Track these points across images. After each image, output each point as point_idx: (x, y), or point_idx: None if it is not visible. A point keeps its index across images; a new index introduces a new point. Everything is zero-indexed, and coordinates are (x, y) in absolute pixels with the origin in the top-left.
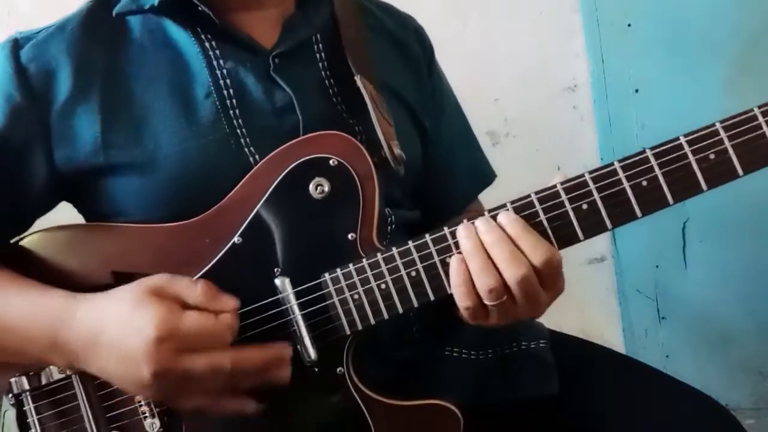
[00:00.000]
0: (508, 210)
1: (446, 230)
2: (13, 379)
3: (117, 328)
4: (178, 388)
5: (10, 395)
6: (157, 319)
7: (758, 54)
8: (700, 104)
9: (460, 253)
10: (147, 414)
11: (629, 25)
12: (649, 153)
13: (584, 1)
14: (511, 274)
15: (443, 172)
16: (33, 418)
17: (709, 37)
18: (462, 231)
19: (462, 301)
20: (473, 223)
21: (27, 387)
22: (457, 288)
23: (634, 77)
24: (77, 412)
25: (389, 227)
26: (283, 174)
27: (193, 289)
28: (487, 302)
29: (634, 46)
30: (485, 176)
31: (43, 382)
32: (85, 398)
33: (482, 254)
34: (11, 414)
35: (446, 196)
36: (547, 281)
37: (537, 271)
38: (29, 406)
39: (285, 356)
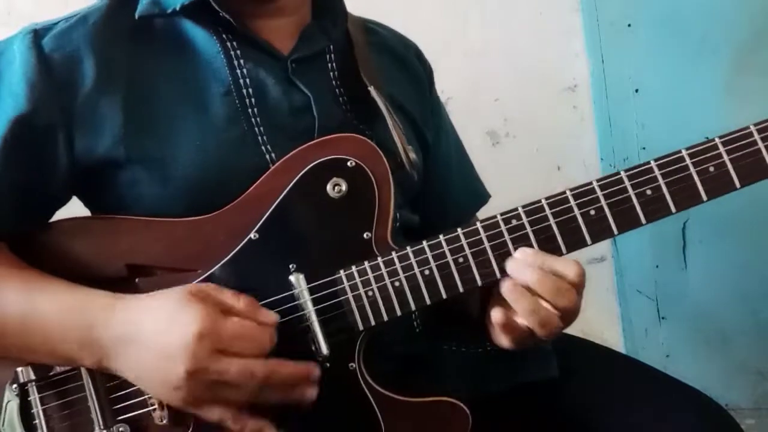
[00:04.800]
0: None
1: (459, 231)
2: (19, 369)
3: (157, 324)
4: (207, 393)
5: (15, 385)
6: (200, 317)
7: (758, 54)
8: (700, 104)
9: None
10: (156, 406)
11: (629, 25)
12: (653, 164)
13: (584, 1)
14: (560, 302)
15: (441, 189)
16: (38, 409)
17: (709, 37)
18: (507, 287)
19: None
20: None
21: (33, 377)
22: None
23: (634, 77)
24: (84, 403)
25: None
26: (302, 173)
27: (236, 299)
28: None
29: (634, 46)
30: (480, 195)
31: (51, 372)
32: (92, 389)
33: (528, 295)
34: (13, 405)
35: (442, 210)
36: (580, 288)
37: (575, 285)
38: (34, 397)
39: (315, 375)
